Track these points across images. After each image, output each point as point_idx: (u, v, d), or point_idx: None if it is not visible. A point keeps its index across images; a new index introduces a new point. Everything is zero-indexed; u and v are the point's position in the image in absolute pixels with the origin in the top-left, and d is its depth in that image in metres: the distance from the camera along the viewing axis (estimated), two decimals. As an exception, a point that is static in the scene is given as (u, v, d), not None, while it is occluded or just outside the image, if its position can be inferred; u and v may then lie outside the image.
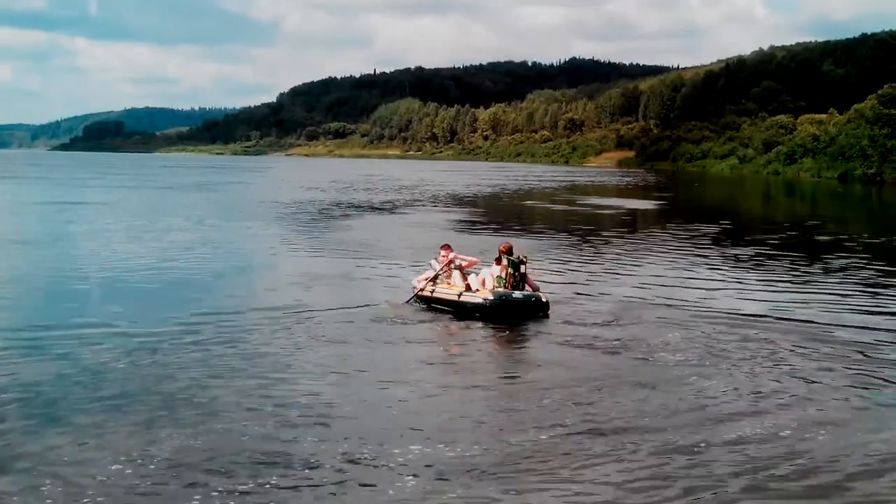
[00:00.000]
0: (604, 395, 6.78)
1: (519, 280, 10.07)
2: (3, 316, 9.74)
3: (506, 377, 7.70)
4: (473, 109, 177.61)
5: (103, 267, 13.72)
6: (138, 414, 6.12)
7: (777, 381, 7.32)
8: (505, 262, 10.12)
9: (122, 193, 37.59)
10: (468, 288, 10.28)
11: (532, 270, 10.61)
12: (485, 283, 10.27)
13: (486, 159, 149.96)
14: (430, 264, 10.96)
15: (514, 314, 9.74)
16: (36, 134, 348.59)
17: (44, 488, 4.86)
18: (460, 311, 10.09)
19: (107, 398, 6.50)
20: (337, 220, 24.89)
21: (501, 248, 10.46)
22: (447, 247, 10.97)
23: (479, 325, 9.69)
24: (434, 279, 10.62)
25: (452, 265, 10.70)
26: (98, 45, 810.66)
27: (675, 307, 10.71)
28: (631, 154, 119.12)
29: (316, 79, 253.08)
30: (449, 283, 10.56)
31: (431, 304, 10.54)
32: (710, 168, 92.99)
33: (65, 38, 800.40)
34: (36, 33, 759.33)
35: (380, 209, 29.94)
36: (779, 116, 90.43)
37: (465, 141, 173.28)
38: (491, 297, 9.85)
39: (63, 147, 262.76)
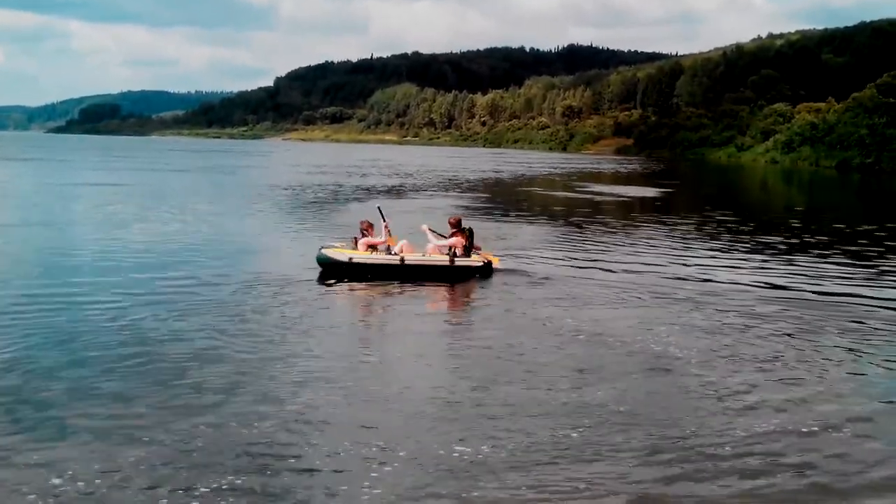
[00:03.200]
0: (598, 382, 6.69)
1: (471, 246, 11.73)
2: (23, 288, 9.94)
3: (498, 368, 7.19)
4: (471, 95, 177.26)
5: (160, 248, 13.93)
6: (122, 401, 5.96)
7: (790, 367, 7.47)
8: (466, 232, 11.72)
9: (144, 176, 37.73)
10: (455, 255, 11.57)
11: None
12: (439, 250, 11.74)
13: (484, 145, 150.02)
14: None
15: (489, 273, 11.66)
16: (32, 116, 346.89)
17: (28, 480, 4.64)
18: (456, 274, 11.38)
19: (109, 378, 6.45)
20: (352, 202, 25.06)
21: (454, 220, 11.93)
22: (368, 223, 12.02)
23: (461, 299, 10.58)
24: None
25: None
26: (92, 26, 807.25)
27: (692, 293, 10.95)
28: (629, 142, 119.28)
29: (313, 63, 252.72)
30: (395, 250, 11.65)
31: (419, 271, 11.35)
32: (708, 156, 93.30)
33: (59, 19, 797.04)
34: (29, 15, 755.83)
35: (393, 192, 30.11)
36: (777, 105, 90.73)
37: (463, 127, 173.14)
38: (483, 262, 11.63)
39: (59, 130, 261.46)
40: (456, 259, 11.40)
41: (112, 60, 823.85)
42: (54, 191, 27.44)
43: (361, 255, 11.47)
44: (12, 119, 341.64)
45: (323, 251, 11.55)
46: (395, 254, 11.50)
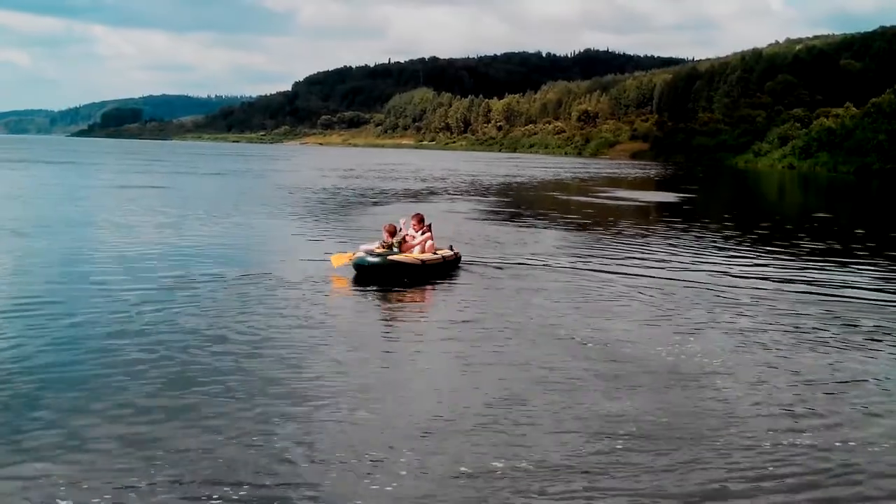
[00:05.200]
0: (622, 393, 6.53)
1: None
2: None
3: (511, 376, 6.99)
4: (487, 100, 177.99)
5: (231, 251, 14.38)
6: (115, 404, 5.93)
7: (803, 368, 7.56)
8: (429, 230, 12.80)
9: (178, 179, 38.80)
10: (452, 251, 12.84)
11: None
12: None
13: (500, 150, 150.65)
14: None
15: None
16: (54, 120, 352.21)
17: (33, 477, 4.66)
18: (457, 263, 12.76)
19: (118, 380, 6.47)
20: (380, 206, 25.73)
21: (418, 219, 12.76)
22: (392, 226, 12.27)
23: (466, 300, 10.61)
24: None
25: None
26: (114, 31, 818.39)
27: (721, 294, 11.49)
28: (645, 146, 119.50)
29: (331, 68, 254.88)
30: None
31: (450, 266, 12.46)
32: (725, 161, 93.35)
33: (81, 24, 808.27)
34: (53, 20, 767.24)
35: (426, 197, 30.73)
36: (795, 110, 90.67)
37: (479, 131, 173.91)
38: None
39: (81, 133, 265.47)
40: (460, 256, 12.95)
41: (133, 65, 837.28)
42: (93, 193, 28.54)
43: (428, 257, 11.97)
44: (35, 123, 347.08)
45: (388, 257, 11.39)
46: (437, 252, 12.32)
